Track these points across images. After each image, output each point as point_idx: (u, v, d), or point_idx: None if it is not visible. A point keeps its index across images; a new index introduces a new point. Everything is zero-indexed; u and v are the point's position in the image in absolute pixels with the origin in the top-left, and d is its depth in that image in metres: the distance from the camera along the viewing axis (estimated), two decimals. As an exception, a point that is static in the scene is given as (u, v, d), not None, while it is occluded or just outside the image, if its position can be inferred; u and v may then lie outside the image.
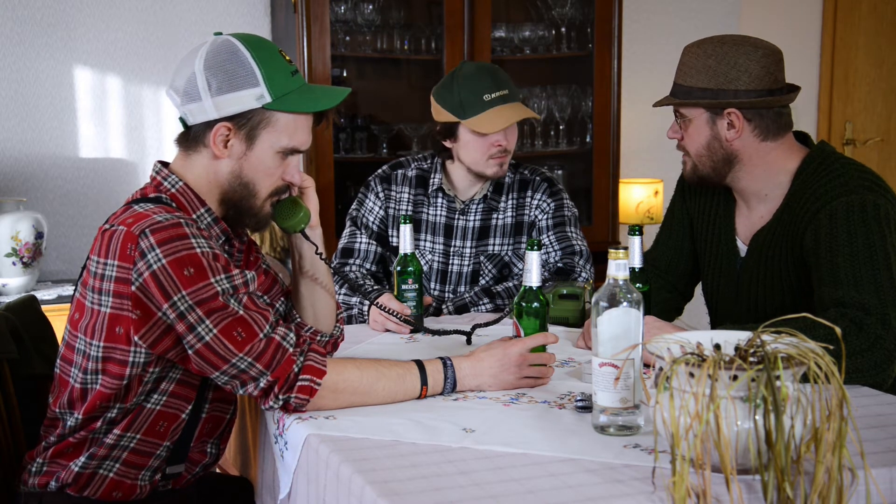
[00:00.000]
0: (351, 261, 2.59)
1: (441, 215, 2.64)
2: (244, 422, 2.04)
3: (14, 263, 3.22)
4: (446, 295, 2.64)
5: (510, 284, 2.59)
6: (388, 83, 3.95)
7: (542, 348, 1.84)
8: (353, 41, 3.72)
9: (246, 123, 1.70)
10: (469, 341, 2.15)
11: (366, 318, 2.40)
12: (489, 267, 2.62)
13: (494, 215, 2.63)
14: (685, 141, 2.09)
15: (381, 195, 2.65)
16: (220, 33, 1.76)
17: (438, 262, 2.64)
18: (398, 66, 3.93)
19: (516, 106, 2.53)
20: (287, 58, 1.75)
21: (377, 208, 2.64)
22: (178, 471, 1.80)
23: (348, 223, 2.66)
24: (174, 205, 1.71)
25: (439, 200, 2.64)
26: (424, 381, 1.73)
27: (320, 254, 1.90)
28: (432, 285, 2.65)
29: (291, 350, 1.64)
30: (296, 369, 1.63)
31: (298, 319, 1.92)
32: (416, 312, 2.31)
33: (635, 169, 4.25)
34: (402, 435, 1.54)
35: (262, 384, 1.62)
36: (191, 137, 1.74)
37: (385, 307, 2.19)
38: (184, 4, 3.72)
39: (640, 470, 1.38)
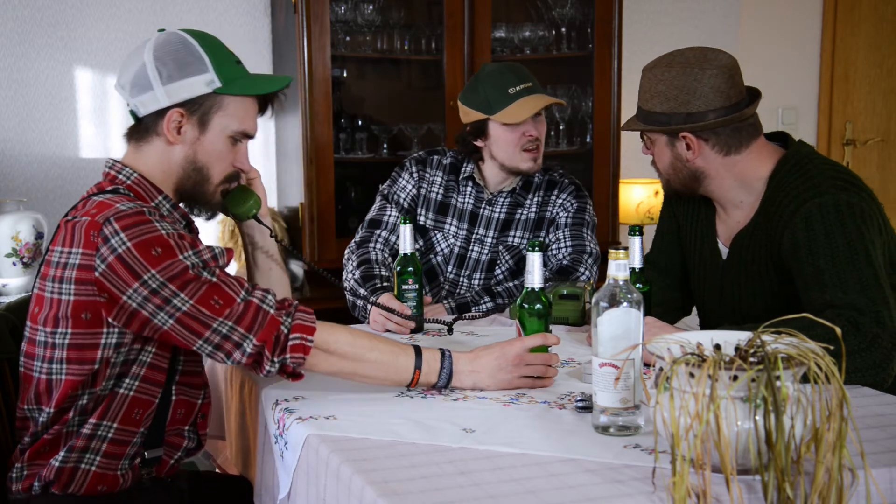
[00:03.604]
0: (377, 231, 2.66)
1: (469, 203, 2.71)
2: (244, 422, 2.04)
3: (14, 263, 3.22)
4: (461, 279, 2.70)
5: (511, 284, 2.60)
6: (388, 83, 3.95)
7: (545, 349, 1.83)
8: (353, 41, 3.71)
9: (198, 109, 1.75)
10: (450, 331, 2.24)
11: (368, 316, 2.42)
12: (507, 257, 2.67)
13: (519, 210, 2.69)
14: (655, 159, 2.15)
15: (415, 175, 2.73)
16: (164, 30, 1.81)
17: (459, 246, 2.70)
18: (398, 66, 3.93)
19: (540, 96, 2.60)
20: (229, 50, 1.82)
21: (410, 186, 2.72)
22: (157, 454, 1.80)
23: (378, 198, 2.74)
24: (131, 194, 1.74)
25: (468, 189, 2.71)
26: (419, 365, 1.72)
27: (274, 235, 1.96)
28: (449, 268, 2.71)
29: (273, 312, 1.65)
30: (284, 330, 1.64)
31: None
32: (416, 312, 2.32)
33: (635, 169, 4.25)
34: (402, 435, 1.54)
35: (248, 349, 1.63)
36: (142, 128, 1.78)
37: (384, 307, 2.22)
38: (184, 4, 3.72)
39: (641, 470, 1.38)
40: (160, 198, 1.77)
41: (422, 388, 1.76)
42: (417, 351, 1.74)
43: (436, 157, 2.76)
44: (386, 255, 2.63)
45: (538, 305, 1.86)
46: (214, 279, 1.64)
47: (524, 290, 1.87)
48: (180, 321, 1.62)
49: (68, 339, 1.67)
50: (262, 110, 1.86)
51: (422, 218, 2.72)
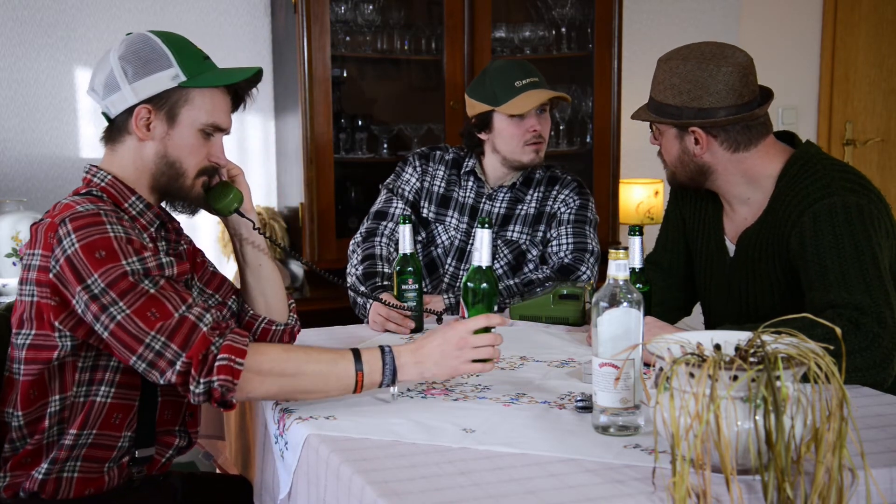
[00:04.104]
0: (384, 223, 2.68)
1: (469, 197, 2.74)
2: (244, 422, 2.04)
3: (14, 263, 3.22)
4: (461, 272, 2.72)
5: (511, 283, 2.60)
6: (388, 83, 3.95)
7: (488, 330, 1.74)
8: (353, 41, 3.71)
9: (165, 104, 1.75)
10: (440, 320, 2.24)
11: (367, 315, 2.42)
12: (505, 251, 2.69)
13: (519, 206, 2.71)
14: (662, 150, 2.14)
15: (418, 169, 2.77)
16: (130, 33, 1.82)
17: (460, 240, 2.73)
18: (398, 66, 3.93)
19: (547, 91, 2.63)
20: (198, 47, 1.82)
21: (414, 180, 2.76)
22: (148, 454, 1.80)
23: (383, 191, 2.77)
24: (105, 196, 1.74)
25: (470, 183, 2.75)
26: (360, 368, 1.65)
27: (258, 228, 1.94)
28: (449, 261, 2.73)
29: (206, 330, 1.60)
30: (214, 350, 1.58)
31: (252, 312, 1.94)
32: (416, 313, 2.31)
33: (635, 169, 4.25)
34: (402, 435, 1.54)
35: (178, 367, 1.57)
36: (115, 129, 1.79)
37: (385, 302, 2.24)
38: (184, 5, 3.72)
39: (641, 470, 1.38)
40: (133, 198, 1.77)
41: (368, 390, 1.69)
42: (356, 354, 1.67)
43: (438, 152, 2.80)
44: (391, 250, 2.64)
45: (484, 284, 1.77)
46: (154, 290, 1.61)
47: (471, 268, 1.79)
48: (115, 332, 1.59)
49: (29, 339, 1.67)
50: (235, 105, 1.85)
51: (424, 210, 2.75)
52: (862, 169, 4.88)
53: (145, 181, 1.79)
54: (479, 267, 1.78)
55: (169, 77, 1.74)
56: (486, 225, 1.78)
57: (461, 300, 1.82)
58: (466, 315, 1.79)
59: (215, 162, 1.83)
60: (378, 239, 2.65)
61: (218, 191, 1.88)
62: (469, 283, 1.79)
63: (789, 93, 4.78)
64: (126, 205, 1.76)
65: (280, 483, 1.68)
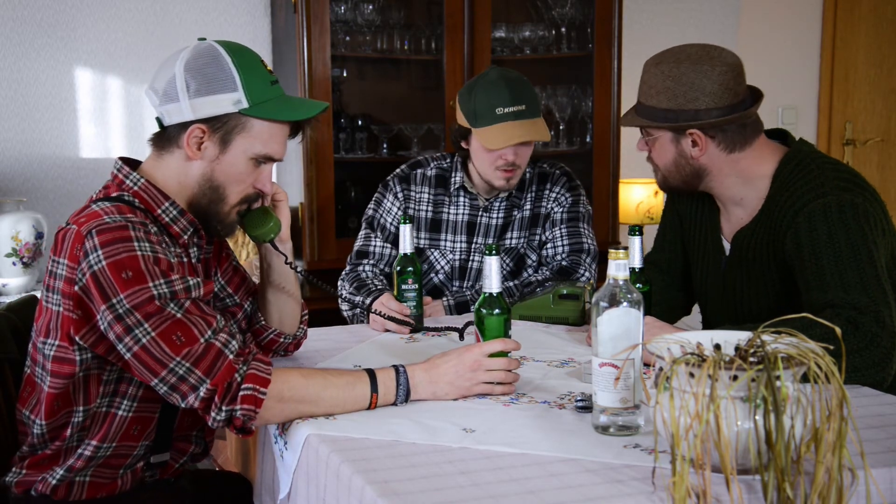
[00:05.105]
0: (365, 261, 2.61)
1: (464, 213, 2.65)
2: (244, 422, 2.04)
3: (14, 263, 3.22)
4: (465, 290, 2.65)
5: (511, 284, 2.59)
6: (388, 83, 3.95)
7: (505, 354, 1.77)
8: (353, 41, 3.72)
9: (221, 127, 1.70)
10: (462, 337, 2.17)
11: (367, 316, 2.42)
12: (507, 260, 2.64)
13: (515, 211, 2.65)
14: (653, 155, 2.12)
15: (399, 195, 2.65)
16: (204, 39, 1.77)
17: (460, 259, 2.65)
18: (398, 66, 3.93)
19: (528, 124, 2.49)
20: (268, 68, 1.77)
21: (395, 209, 2.65)
22: (163, 459, 1.80)
23: (364, 225, 2.67)
24: (137, 201, 1.71)
25: (461, 199, 2.65)
26: (375, 389, 1.67)
27: (290, 263, 1.91)
28: (454, 283, 2.66)
29: (232, 358, 1.59)
30: (238, 378, 1.58)
31: (263, 322, 1.94)
32: (416, 312, 2.31)
33: (635, 169, 4.25)
34: (402, 435, 1.54)
35: (202, 394, 1.57)
36: (165, 137, 1.74)
37: (380, 312, 2.21)
38: (184, 4, 3.72)
39: (641, 470, 1.38)
40: (167, 204, 1.72)
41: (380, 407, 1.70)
42: (371, 375, 1.68)
43: (419, 171, 2.68)
44: (377, 273, 2.59)
45: (497, 310, 1.79)
46: (180, 314, 1.59)
47: (482, 295, 1.80)
48: (139, 354, 1.57)
49: (53, 350, 1.65)
50: (293, 133, 1.81)
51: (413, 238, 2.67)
52: (862, 169, 4.89)
53: (184, 196, 1.75)
54: (490, 294, 1.79)
55: (231, 101, 1.69)
56: (494, 252, 1.78)
57: (475, 327, 1.82)
58: (482, 340, 1.80)
59: (259, 189, 1.79)
60: (361, 269, 2.58)
61: (257, 217, 1.84)
62: (482, 309, 1.80)
63: (789, 93, 4.78)
64: (159, 211, 1.72)
65: (280, 483, 1.68)
